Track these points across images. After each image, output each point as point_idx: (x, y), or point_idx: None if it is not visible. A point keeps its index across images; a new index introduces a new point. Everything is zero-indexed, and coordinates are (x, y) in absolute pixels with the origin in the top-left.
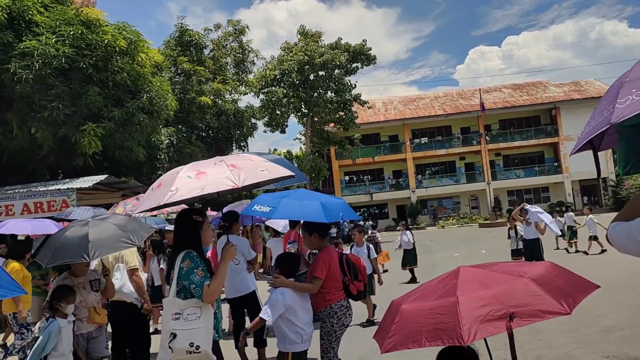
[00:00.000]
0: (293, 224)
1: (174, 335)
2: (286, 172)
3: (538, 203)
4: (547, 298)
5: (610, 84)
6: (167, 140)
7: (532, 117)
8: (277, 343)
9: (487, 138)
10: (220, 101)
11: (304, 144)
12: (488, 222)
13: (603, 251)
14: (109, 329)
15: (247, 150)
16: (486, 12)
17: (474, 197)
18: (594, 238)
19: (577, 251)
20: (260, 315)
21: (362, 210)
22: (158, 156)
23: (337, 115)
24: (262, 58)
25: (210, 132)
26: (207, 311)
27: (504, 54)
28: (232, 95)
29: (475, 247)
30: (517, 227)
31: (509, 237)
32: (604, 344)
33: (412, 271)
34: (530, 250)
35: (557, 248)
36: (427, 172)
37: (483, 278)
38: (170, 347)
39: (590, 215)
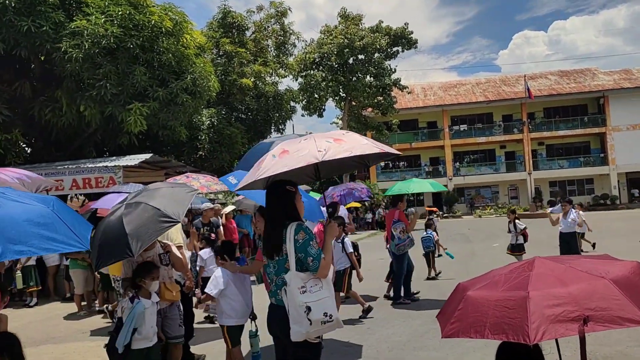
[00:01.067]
0: (395, 201)
1: (309, 308)
2: (381, 149)
3: (581, 195)
4: (628, 304)
5: None
6: (208, 122)
7: (578, 105)
8: (216, 318)
9: (530, 126)
10: (260, 83)
11: (341, 128)
12: (528, 212)
13: (594, 245)
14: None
15: (284, 133)
16: None
17: (513, 186)
18: (581, 236)
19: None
20: (206, 290)
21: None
22: (199, 137)
23: (376, 100)
24: (303, 40)
25: (249, 114)
26: (327, 281)
27: (550, 40)
28: (272, 77)
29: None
30: (517, 222)
31: (509, 231)
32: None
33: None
34: (567, 244)
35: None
36: (466, 159)
37: (560, 274)
38: (309, 320)
39: (580, 212)
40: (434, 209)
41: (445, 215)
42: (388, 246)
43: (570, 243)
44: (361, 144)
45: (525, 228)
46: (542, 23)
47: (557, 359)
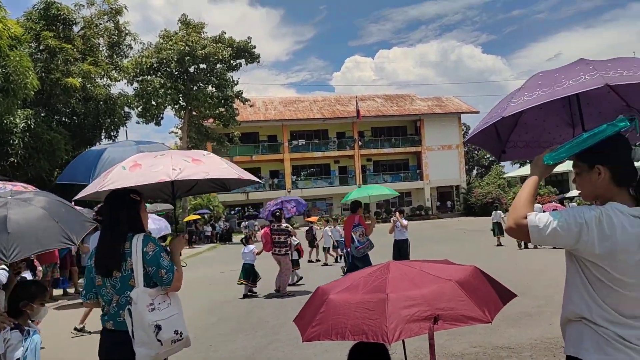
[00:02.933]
0: (355, 207)
1: (159, 327)
2: (246, 177)
3: (402, 207)
4: (471, 304)
5: (467, 102)
6: (23, 124)
7: (400, 126)
8: None
9: (360, 143)
10: (89, 85)
11: (179, 138)
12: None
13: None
14: None
15: (117, 140)
16: (363, 25)
17: None
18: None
19: (499, 245)
20: None
21: (237, 209)
22: (11, 141)
23: (217, 111)
24: (140, 42)
25: (75, 118)
26: (175, 297)
27: (376, 66)
28: (104, 79)
29: None
30: (292, 238)
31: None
32: (472, 334)
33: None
34: (399, 250)
35: (499, 244)
36: (303, 173)
37: (413, 277)
38: (159, 340)
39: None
40: (314, 218)
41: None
42: (349, 249)
43: (401, 250)
44: (220, 168)
45: (298, 244)
46: (370, 50)
47: (403, 358)
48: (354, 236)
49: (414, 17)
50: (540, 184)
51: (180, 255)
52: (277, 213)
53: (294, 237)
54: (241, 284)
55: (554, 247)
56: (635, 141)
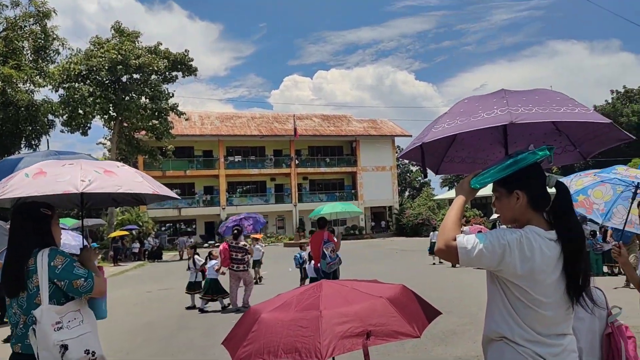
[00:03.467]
0: (322, 224)
1: (66, 347)
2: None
3: (336, 226)
4: (401, 320)
5: (400, 126)
6: None
7: (336, 146)
8: None
9: (297, 162)
10: (10, 89)
11: (108, 150)
12: (292, 241)
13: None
14: None
15: (38, 149)
16: (302, 45)
17: (281, 217)
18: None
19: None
20: None
21: (168, 225)
22: None
23: (151, 123)
24: (69, 48)
25: None
26: (88, 314)
27: (314, 86)
28: (27, 85)
29: (282, 265)
30: (196, 258)
31: (188, 268)
32: (400, 352)
33: None
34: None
35: (434, 263)
36: (239, 190)
37: (346, 294)
38: None
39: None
40: (259, 235)
41: (217, 244)
42: (319, 265)
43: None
44: (134, 181)
45: (204, 264)
46: (308, 70)
47: None
48: (325, 252)
49: (351, 41)
50: (466, 207)
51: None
52: (235, 231)
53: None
54: (201, 298)
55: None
56: (546, 168)
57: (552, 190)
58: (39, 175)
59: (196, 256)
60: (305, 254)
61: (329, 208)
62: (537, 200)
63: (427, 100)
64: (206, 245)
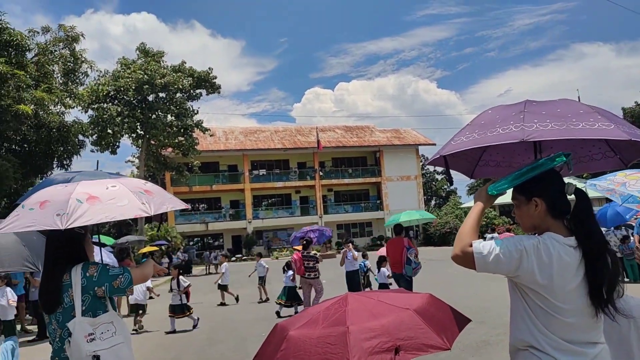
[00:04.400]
0: (399, 230)
1: (98, 358)
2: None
3: (362, 237)
4: (430, 332)
5: (424, 134)
6: None
7: (360, 157)
8: None
9: (321, 174)
10: (42, 112)
11: (137, 167)
12: (319, 253)
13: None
14: None
15: (70, 169)
16: (323, 58)
17: None
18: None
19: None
20: None
21: (195, 239)
22: None
23: (177, 140)
24: (97, 70)
25: (25, 146)
26: (120, 325)
27: (336, 98)
28: (58, 107)
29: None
30: (181, 279)
31: (171, 289)
32: None
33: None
34: (351, 280)
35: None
36: (264, 203)
37: (372, 307)
38: None
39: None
40: (298, 248)
41: (244, 257)
42: (404, 271)
43: (352, 281)
44: (117, 206)
45: (189, 286)
46: (330, 83)
47: None
48: (410, 258)
49: (372, 52)
50: (495, 215)
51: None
52: (305, 242)
53: (263, 263)
54: (279, 303)
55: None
56: (565, 176)
57: (571, 197)
58: (94, 200)
59: (181, 277)
60: (368, 262)
61: (406, 216)
62: (556, 207)
63: (450, 108)
64: (234, 259)
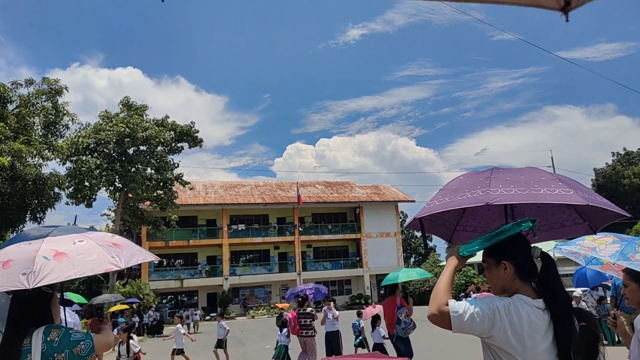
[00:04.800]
0: (393, 289)
1: None
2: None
3: (341, 295)
4: None
5: (403, 191)
6: None
7: (340, 213)
8: None
9: (301, 229)
10: (19, 164)
11: (112, 221)
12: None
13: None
14: None
15: (43, 222)
16: (305, 114)
17: (284, 286)
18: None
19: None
20: None
21: (169, 297)
22: None
23: (155, 194)
24: (78, 123)
25: None
26: None
27: (317, 154)
28: (36, 159)
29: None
30: (131, 343)
31: (119, 356)
32: None
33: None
34: (331, 342)
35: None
36: (242, 259)
37: None
38: None
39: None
40: (285, 305)
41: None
42: (394, 331)
43: (332, 342)
44: (85, 261)
45: (139, 351)
46: (311, 138)
47: None
48: (400, 317)
49: (353, 110)
50: (474, 273)
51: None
52: (300, 298)
53: (224, 324)
54: None
55: None
56: (532, 242)
57: (539, 260)
58: (61, 256)
59: (131, 341)
60: (362, 322)
61: (404, 274)
62: (524, 270)
63: (429, 166)
64: (208, 318)
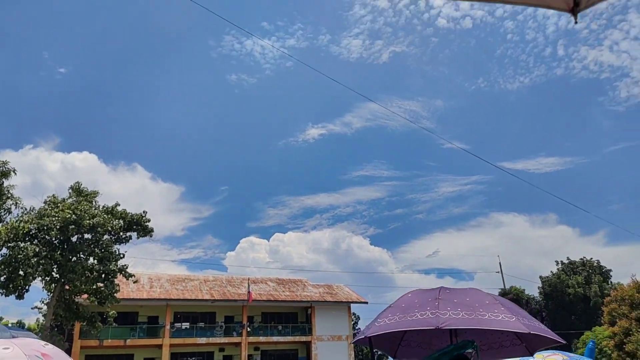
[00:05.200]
0: None
1: None
2: None
3: None
4: None
5: (356, 292)
6: None
7: (290, 313)
8: None
9: (249, 329)
10: None
11: (43, 315)
12: None
13: None
14: None
15: None
16: (262, 208)
17: None
18: None
19: None
20: None
21: None
22: None
23: (95, 286)
24: (22, 207)
25: None
26: None
27: (271, 248)
28: None
29: None
30: None
31: None
32: None
33: None
34: None
35: None
36: None
37: None
38: None
39: None
40: None
41: None
42: None
43: None
44: None
45: None
46: (266, 233)
47: None
48: None
49: (309, 206)
50: None
51: None
52: None
53: None
54: None
55: None
56: None
57: None
58: None
59: None
60: None
61: None
62: None
63: (383, 266)
64: None
